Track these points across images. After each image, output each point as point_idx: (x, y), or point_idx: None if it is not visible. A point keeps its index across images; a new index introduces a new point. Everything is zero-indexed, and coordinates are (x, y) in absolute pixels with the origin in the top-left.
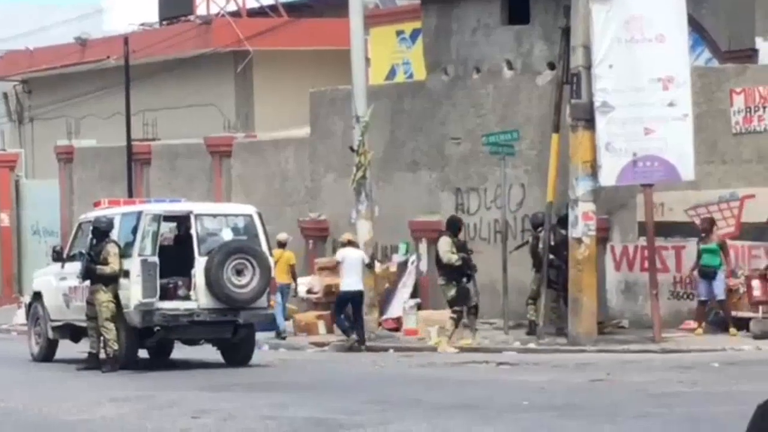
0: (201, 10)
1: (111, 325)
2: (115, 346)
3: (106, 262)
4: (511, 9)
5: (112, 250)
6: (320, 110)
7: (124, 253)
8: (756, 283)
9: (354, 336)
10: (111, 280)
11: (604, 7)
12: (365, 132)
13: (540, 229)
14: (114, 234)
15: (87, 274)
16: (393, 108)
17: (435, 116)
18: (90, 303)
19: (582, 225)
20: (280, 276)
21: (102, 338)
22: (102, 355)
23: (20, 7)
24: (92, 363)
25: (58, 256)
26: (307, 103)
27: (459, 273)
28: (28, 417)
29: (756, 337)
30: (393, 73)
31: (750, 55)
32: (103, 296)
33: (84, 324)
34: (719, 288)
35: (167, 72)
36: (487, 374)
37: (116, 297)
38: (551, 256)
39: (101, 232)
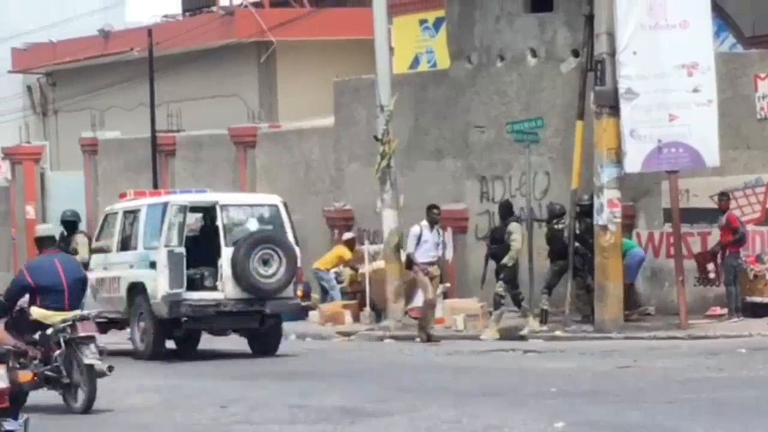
0: (224, 1)
1: None
2: None
3: (75, 252)
4: None
5: (81, 239)
6: (344, 99)
7: (150, 244)
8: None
9: None
10: None
11: None
12: (389, 121)
13: (556, 220)
14: (140, 224)
15: None
16: (417, 96)
17: (459, 104)
18: None
19: (607, 212)
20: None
21: None
22: None
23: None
24: None
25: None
26: (330, 93)
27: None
28: (57, 407)
29: None
30: (416, 61)
31: None
32: None
33: (112, 315)
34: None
35: (191, 63)
36: (513, 362)
37: None
38: (576, 244)
39: (70, 223)
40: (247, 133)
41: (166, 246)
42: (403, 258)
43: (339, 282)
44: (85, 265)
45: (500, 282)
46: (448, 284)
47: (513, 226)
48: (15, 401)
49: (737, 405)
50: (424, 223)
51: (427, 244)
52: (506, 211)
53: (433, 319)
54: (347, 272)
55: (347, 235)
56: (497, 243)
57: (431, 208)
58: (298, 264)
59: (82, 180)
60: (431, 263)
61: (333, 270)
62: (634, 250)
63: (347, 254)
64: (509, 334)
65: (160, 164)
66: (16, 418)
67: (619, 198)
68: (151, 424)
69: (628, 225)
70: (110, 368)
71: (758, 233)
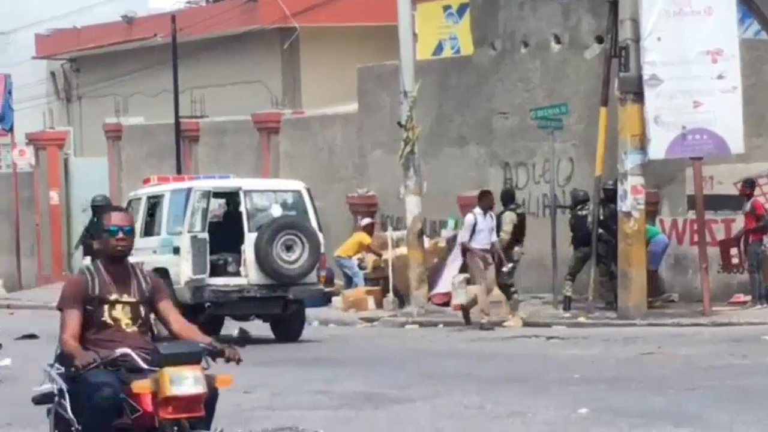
0: None
1: None
2: None
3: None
4: None
5: None
6: (367, 86)
7: (173, 230)
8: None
9: None
10: None
11: None
12: (413, 107)
13: (580, 206)
14: (164, 209)
15: (85, 249)
16: (440, 83)
17: (482, 91)
18: None
19: (631, 199)
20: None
21: None
22: None
23: None
24: None
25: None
26: (354, 79)
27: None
28: None
29: None
30: (440, 48)
31: None
32: None
33: None
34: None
35: (214, 49)
36: (536, 348)
37: None
38: (600, 231)
39: (99, 206)
40: (271, 120)
41: (189, 231)
42: (427, 244)
43: (362, 268)
44: None
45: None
46: (511, 264)
47: (505, 215)
48: (210, 409)
49: (761, 392)
50: (478, 210)
51: (483, 233)
52: (507, 198)
53: (476, 304)
54: (370, 258)
55: (365, 221)
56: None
57: (486, 194)
58: (321, 250)
59: (106, 166)
60: (487, 250)
61: (356, 256)
62: (658, 237)
63: (367, 239)
64: (533, 321)
65: (184, 150)
66: (209, 428)
67: (642, 185)
68: None
69: (651, 212)
70: None
71: None
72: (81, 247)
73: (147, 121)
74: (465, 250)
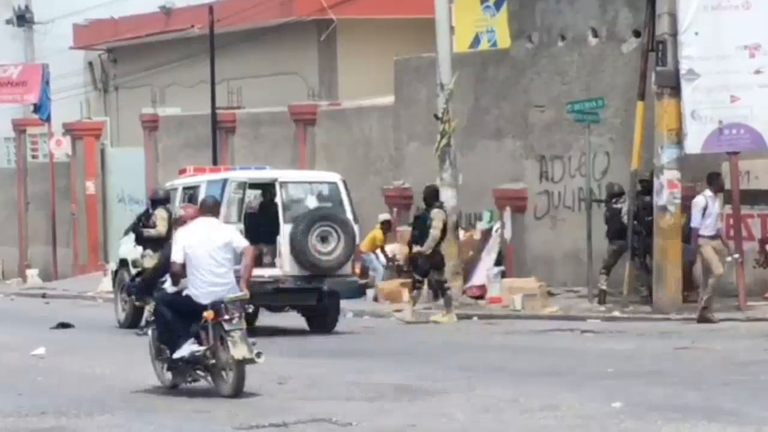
0: None
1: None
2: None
3: (153, 225)
4: None
5: (160, 213)
6: (404, 78)
7: None
8: None
9: None
10: (158, 245)
11: None
12: (449, 99)
13: (615, 199)
14: (200, 200)
15: (136, 237)
16: (477, 76)
17: (519, 84)
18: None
19: (667, 193)
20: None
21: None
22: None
23: None
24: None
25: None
26: (391, 71)
27: None
28: (114, 382)
29: None
30: (477, 41)
31: None
32: (148, 261)
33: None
34: None
35: (251, 41)
36: (571, 342)
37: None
38: (634, 222)
39: (158, 200)
40: (307, 111)
41: (224, 222)
42: (462, 237)
43: (395, 261)
44: (161, 240)
45: (433, 271)
46: (737, 255)
47: (434, 213)
48: None
49: None
50: (708, 193)
51: (712, 217)
52: (433, 197)
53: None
54: (403, 251)
55: (383, 217)
56: (419, 229)
57: (716, 176)
58: (357, 242)
59: (142, 156)
60: (714, 236)
61: (388, 249)
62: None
63: (379, 237)
64: (568, 315)
65: (220, 141)
66: None
67: (678, 179)
68: (208, 399)
69: (687, 206)
70: None
71: None
72: (130, 234)
73: (183, 111)
74: (688, 237)
